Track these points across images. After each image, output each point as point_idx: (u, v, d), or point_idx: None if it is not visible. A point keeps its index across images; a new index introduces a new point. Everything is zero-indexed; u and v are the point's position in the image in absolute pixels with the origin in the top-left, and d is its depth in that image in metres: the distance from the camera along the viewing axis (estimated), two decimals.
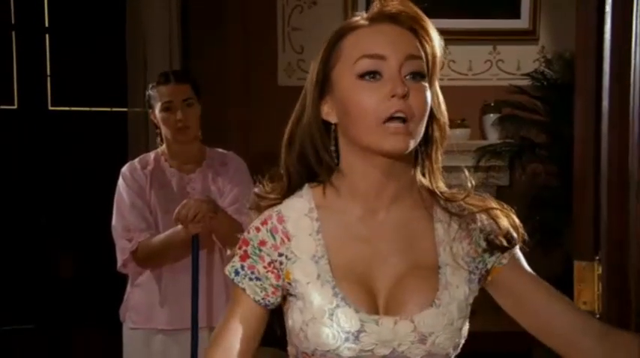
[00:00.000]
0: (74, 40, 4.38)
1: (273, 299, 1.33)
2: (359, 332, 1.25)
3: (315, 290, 1.28)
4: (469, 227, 1.33)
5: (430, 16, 1.34)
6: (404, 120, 1.24)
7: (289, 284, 1.31)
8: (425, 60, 1.28)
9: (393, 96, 1.23)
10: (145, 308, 2.87)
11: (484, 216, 1.34)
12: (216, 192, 2.85)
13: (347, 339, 1.25)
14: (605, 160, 1.62)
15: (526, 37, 4.52)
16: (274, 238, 1.32)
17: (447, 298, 1.28)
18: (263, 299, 1.33)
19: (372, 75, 1.26)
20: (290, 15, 4.38)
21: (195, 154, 2.89)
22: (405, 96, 1.23)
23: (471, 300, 1.32)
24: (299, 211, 1.34)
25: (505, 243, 1.33)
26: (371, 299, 1.27)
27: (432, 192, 1.34)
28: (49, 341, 4.20)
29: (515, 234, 1.34)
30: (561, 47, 4.29)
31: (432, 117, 1.31)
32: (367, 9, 1.36)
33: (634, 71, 1.54)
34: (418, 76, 1.27)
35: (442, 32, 1.33)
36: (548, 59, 4.43)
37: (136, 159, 2.96)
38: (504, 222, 1.33)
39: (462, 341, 1.30)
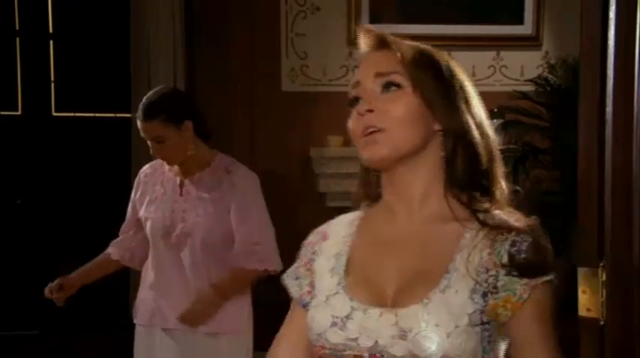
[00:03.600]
0: (78, 46, 4.39)
1: (309, 299, 1.39)
2: (347, 318, 1.29)
3: (325, 280, 1.36)
4: (497, 237, 1.28)
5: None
6: (379, 130, 1.31)
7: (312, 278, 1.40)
8: (404, 69, 1.33)
9: (362, 115, 1.32)
10: (142, 306, 2.95)
11: (522, 234, 1.28)
12: (208, 200, 2.84)
13: (334, 324, 1.29)
14: (609, 166, 1.62)
15: (529, 42, 4.52)
16: (316, 237, 1.44)
17: (438, 299, 1.25)
18: (300, 297, 1.41)
19: (357, 100, 1.35)
20: (293, 21, 4.39)
21: (194, 164, 2.88)
22: (369, 111, 1.31)
23: (470, 311, 1.24)
24: (344, 218, 1.44)
25: (527, 267, 1.26)
26: (373, 297, 1.30)
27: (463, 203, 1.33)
28: (54, 347, 4.20)
29: (541, 268, 1.27)
30: (565, 53, 4.29)
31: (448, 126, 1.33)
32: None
33: (638, 77, 1.54)
34: (392, 86, 1.32)
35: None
36: (552, 65, 4.43)
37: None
38: (536, 249, 1.27)
39: (457, 355, 1.23)
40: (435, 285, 1.27)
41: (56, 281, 2.88)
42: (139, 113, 2.78)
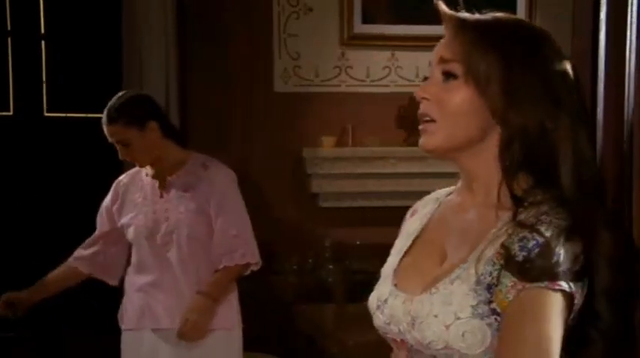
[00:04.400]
0: (70, 47, 4.38)
1: None
2: (384, 302, 1.33)
3: (389, 261, 1.40)
4: (514, 231, 1.21)
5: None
6: (433, 120, 1.29)
7: None
8: (462, 59, 1.26)
9: (419, 101, 1.31)
10: (130, 308, 2.97)
11: (534, 233, 1.18)
12: (188, 197, 2.87)
13: (378, 307, 1.34)
14: (600, 165, 1.63)
15: None
16: (409, 213, 1.47)
17: (445, 290, 1.24)
18: None
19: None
20: (286, 21, 4.38)
21: (168, 165, 2.92)
22: (424, 99, 1.29)
23: (473, 303, 1.20)
24: (435, 195, 1.45)
25: (523, 267, 1.17)
26: (414, 283, 1.31)
27: (513, 197, 1.25)
28: (47, 348, 4.19)
29: (538, 272, 1.16)
30: None
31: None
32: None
33: (628, 78, 1.55)
34: (451, 76, 1.28)
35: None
36: None
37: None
38: (541, 252, 1.17)
39: (461, 346, 1.20)
40: (448, 275, 1.26)
41: (2, 299, 2.88)
42: (103, 118, 2.85)
